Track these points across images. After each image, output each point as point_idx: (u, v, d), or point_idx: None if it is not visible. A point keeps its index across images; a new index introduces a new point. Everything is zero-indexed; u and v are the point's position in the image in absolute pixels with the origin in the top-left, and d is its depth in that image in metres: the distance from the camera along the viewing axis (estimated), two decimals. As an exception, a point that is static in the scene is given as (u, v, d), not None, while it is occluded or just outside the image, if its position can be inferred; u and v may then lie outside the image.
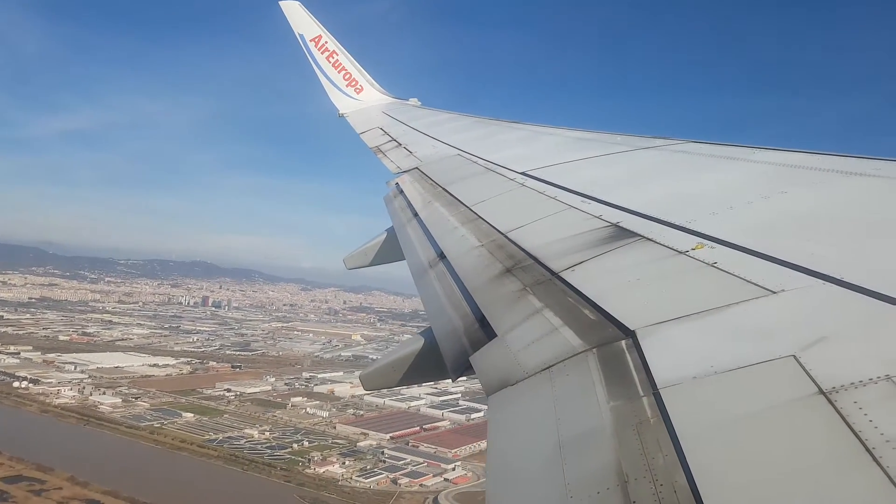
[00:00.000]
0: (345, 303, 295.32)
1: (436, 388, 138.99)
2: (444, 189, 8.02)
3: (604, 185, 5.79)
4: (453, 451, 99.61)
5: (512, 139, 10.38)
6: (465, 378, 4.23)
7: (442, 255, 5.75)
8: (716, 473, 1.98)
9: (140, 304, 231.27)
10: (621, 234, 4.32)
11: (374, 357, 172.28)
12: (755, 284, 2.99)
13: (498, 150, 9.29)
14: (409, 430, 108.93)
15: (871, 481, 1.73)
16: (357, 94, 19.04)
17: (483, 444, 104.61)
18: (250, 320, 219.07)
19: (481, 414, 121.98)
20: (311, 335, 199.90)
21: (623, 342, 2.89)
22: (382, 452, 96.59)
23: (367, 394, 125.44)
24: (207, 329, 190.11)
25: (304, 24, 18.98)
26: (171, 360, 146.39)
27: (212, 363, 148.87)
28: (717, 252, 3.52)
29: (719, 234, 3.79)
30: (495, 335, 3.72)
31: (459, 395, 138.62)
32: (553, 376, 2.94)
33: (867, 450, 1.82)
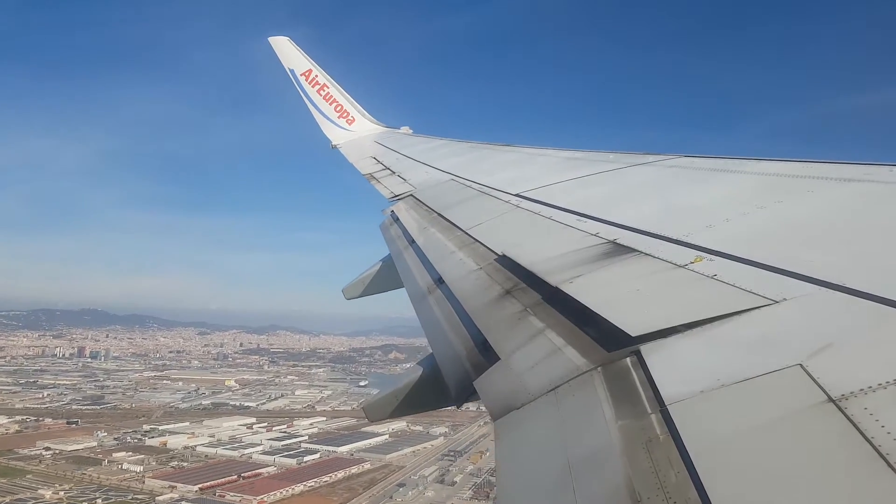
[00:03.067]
0: (241, 345, 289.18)
1: (284, 433, 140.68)
2: (439, 214, 8.03)
3: (599, 203, 5.80)
4: (259, 497, 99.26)
5: (504, 162, 10.43)
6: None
7: (440, 280, 5.73)
8: (728, 488, 1.94)
9: (7, 358, 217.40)
10: (619, 249, 4.31)
11: (236, 404, 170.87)
12: (756, 294, 2.97)
13: (491, 174, 9.34)
14: (225, 479, 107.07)
15: (888, 487, 1.71)
16: (349, 126, 19.25)
17: (297, 488, 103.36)
18: (123, 370, 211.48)
19: (317, 456, 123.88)
20: (180, 383, 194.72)
21: (628, 359, 2.86)
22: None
23: (200, 444, 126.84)
24: (67, 383, 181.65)
25: (294, 58, 19.25)
26: (2, 420, 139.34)
27: (47, 420, 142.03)
28: (717, 264, 3.51)
29: (717, 246, 3.78)
30: (498, 358, 3.69)
31: (306, 437, 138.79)
32: (559, 397, 2.90)
33: (881, 455, 1.79)
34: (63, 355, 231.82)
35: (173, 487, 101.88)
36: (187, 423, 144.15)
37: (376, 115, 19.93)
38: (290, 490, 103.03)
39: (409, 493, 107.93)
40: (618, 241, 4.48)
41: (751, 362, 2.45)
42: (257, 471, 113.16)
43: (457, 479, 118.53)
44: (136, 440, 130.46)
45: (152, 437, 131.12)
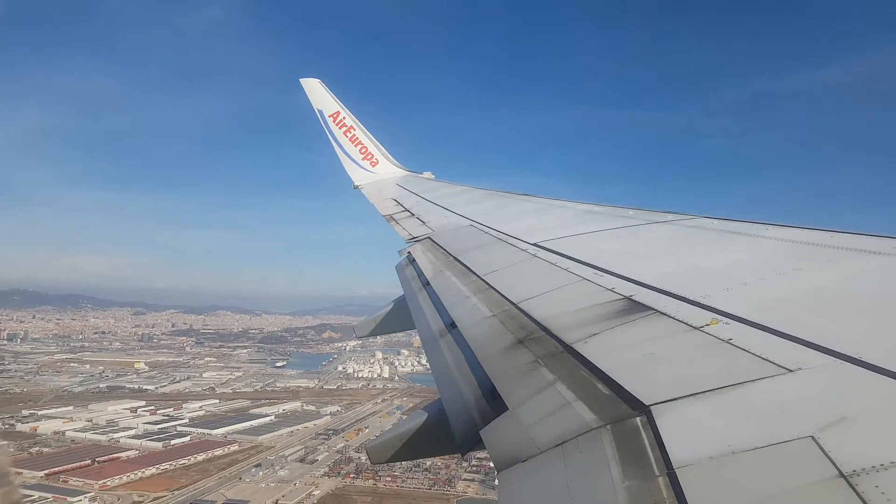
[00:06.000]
0: (173, 326, 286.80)
1: (166, 416, 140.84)
2: (455, 258, 8.07)
3: (616, 259, 5.81)
4: (102, 481, 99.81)
5: (523, 211, 10.49)
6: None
7: (452, 325, 5.73)
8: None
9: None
10: (635, 307, 4.30)
11: (135, 387, 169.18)
12: (771, 362, 2.95)
13: (510, 222, 9.39)
14: (77, 464, 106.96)
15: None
16: (373, 167, 19.65)
17: (148, 471, 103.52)
18: (35, 353, 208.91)
19: (187, 439, 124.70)
20: (88, 366, 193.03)
21: (638, 419, 2.84)
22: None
23: (73, 429, 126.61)
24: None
25: (323, 100, 19.83)
26: None
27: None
28: (733, 328, 3.49)
29: (734, 310, 3.76)
30: (506, 408, 3.67)
31: (188, 420, 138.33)
32: (566, 453, 2.87)
33: (893, 538, 1.75)
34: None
35: (19, 474, 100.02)
36: (71, 408, 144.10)
37: (400, 159, 20.32)
38: (140, 473, 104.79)
39: (261, 473, 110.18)
40: (633, 298, 4.47)
41: (762, 431, 2.42)
42: (115, 455, 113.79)
43: (320, 457, 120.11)
44: (7, 426, 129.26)
45: (25, 423, 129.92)
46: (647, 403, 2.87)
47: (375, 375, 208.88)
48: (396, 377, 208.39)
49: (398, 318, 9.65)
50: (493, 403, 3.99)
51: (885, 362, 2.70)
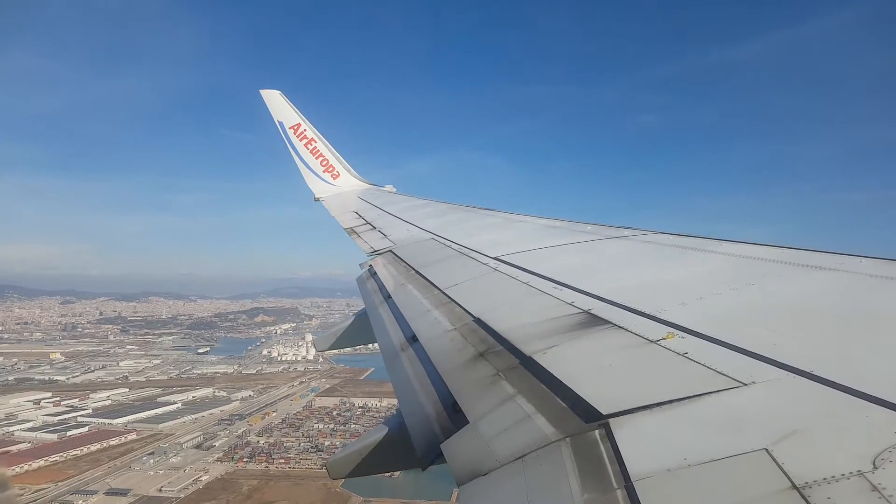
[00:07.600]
0: (101, 314, 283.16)
1: (70, 407, 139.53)
2: (417, 272, 8.05)
3: (575, 273, 5.87)
4: None
5: (485, 225, 10.55)
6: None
7: (414, 339, 5.71)
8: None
9: None
10: (594, 321, 4.34)
11: (45, 378, 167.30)
12: (726, 376, 3.01)
13: (471, 236, 9.43)
14: None
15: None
16: (334, 180, 19.57)
17: (35, 464, 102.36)
18: None
19: (84, 430, 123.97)
20: (1, 358, 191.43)
21: (596, 431, 2.86)
22: None
23: None
24: None
25: (283, 112, 19.70)
26: None
27: None
28: (688, 342, 3.56)
29: (689, 324, 3.83)
30: (467, 422, 3.66)
31: (91, 410, 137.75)
32: (526, 466, 2.87)
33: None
34: None
35: None
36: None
37: (363, 172, 20.31)
38: (27, 466, 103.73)
39: (152, 461, 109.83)
40: (592, 312, 4.52)
41: (718, 444, 2.46)
42: (5, 449, 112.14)
43: (218, 443, 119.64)
44: None
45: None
46: (604, 413, 2.89)
47: (299, 358, 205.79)
48: (321, 359, 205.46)
49: (359, 331, 9.56)
50: (455, 417, 3.97)
51: (836, 376, 2.78)
